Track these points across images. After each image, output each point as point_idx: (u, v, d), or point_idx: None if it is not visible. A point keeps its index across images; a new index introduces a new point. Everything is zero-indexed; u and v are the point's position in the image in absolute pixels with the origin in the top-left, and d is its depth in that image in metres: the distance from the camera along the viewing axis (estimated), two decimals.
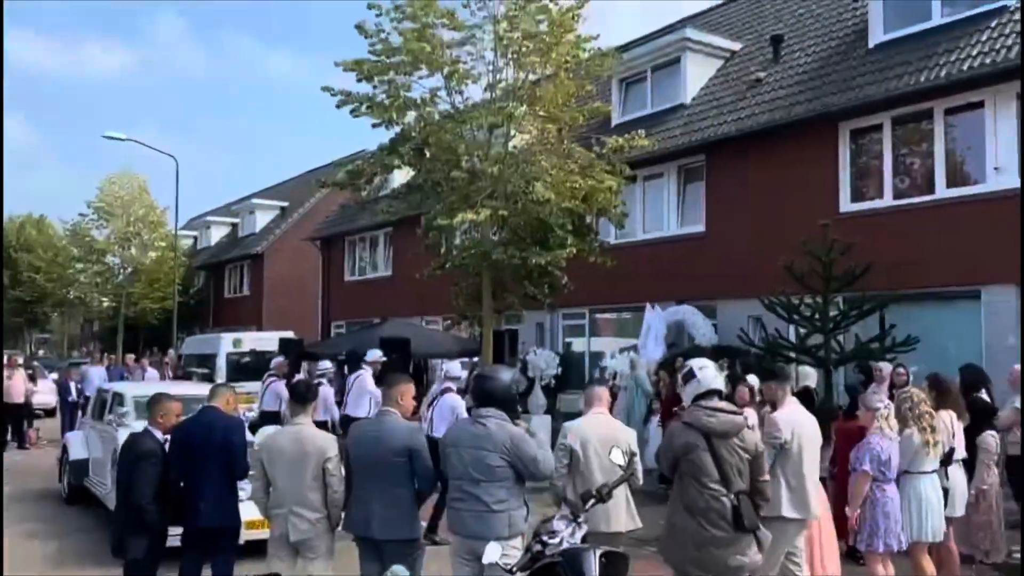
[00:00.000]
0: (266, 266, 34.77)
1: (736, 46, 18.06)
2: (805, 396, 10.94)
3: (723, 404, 4.92)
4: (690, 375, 4.97)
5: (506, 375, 5.09)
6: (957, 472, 7.01)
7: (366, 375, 11.93)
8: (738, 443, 4.80)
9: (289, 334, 19.35)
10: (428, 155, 13.30)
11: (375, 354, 12.17)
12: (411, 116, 13.08)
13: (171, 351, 23.25)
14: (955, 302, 12.60)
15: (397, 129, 13.22)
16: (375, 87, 12.99)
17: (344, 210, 29.28)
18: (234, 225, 40.45)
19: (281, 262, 34.37)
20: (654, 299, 16.43)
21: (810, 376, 10.93)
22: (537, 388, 15.75)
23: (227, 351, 19.24)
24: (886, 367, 10.19)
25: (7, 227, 44.43)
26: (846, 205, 13.90)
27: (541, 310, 15.27)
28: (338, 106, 12.92)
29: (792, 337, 12.66)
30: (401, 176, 16.10)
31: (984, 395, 8.24)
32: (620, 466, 4.95)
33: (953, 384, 7.36)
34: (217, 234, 42.32)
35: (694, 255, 16.26)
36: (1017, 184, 11.73)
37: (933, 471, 6.70)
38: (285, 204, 36.91)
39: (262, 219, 37.34)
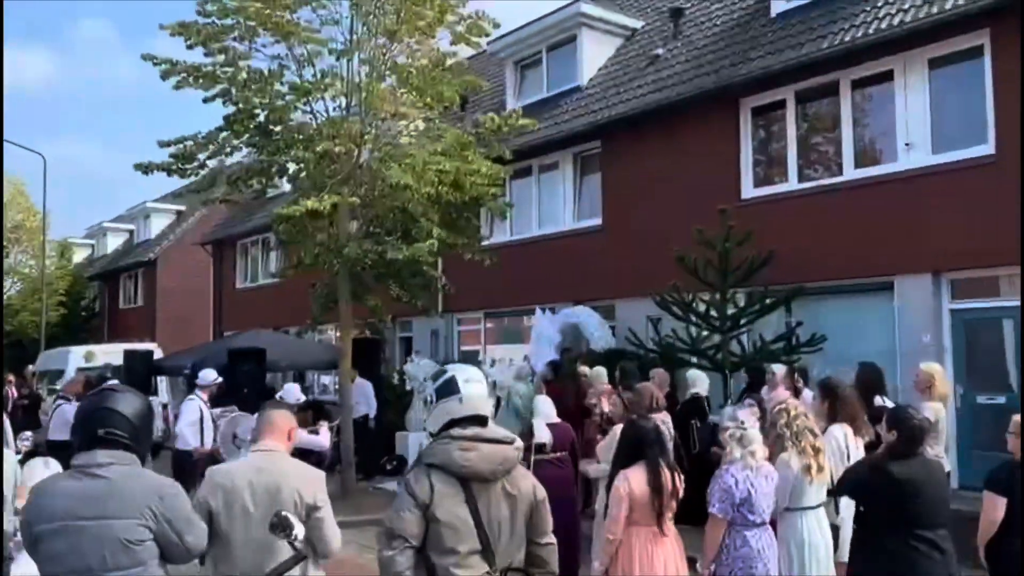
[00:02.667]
0: (160, 274, 32.39)
1: (637, 23, 16.64)
2: (694, 405, 9.52)
3: (487, 430, 3.26)
4: (448, 389, 3.29)
5: (135, 400, 3.33)
6: (852, 505, 5.45)
7: (193, 403, 9.70)
8: (508, 489, 3.16)
9: (151, 346, 17.30)
10: (274, 135, 11.48)
11: (208, 376, 10.13)
12: (253, 91, 11.26)
13: (29, 368, 20.94)
14: (866, 295, 11.28)
15: (238, 106, 11.38)
16: (209, 55, 11.15)
17: (237, 210, 27.12)
18: (131, 232, 37.87)
19: (175, 270, 31.98)
20: (553, 300, 14.91)
21: (699, 381, 9.42)
22: (416, 402, 14.01)
23: (77, 366, 17.09)
24: (780, 370, 8.73)
25: None
26: (748, 191, 12.51)
27: (430, 316, 13.54)
28: (163, 77, 11.05)
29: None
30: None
31: (886, 402, 6.78)
32: (290, 539, 3.23)
33: (848, 391, 5.85)
34: (114, 242, 39.60)
35: (591, 251, 14.74)
36: (931, 162, 10.47)
37: (819, 505, 5.18)
38: (182, 208, 34.47)
39: (157, 225, 34.91)
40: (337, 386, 14.32)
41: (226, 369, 13.16)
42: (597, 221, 14.91)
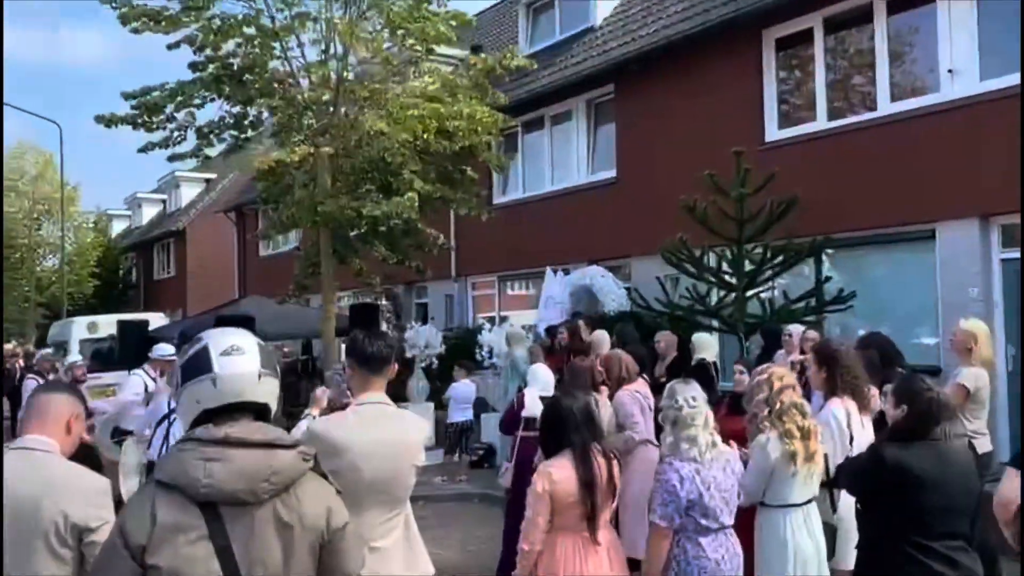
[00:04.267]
0: (189, 244, 31.97)
1: None
2: (700, 372, 8.37)
3: (247, 428, 2.16)
4: (198, 365, 2.22)
5: None
6: (851, 499, 4.29)
7: (137, 377, 8.49)
8: (281, 515, 2.12)
9: (150, 316, 16.68)
10: (247, 84, 10.52)
11: (162, 349, 9.15)
12: (221, 36, 10.30)
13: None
14: (904, 245, 9.96)
15: (205, 52, 10.45)
16: None
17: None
18: (164, 202, 37.63)
19: (204, 239, 31.48)
20: (567, 260, 13.84)
21: (706, 346, 8.26)
22: (417, 371, 13.09)
23: (80, 337, 16.54)
24: (796, 331, 7.55)
25: None
26: (773, 132, 11.22)
27: (425, 279, 12.55)
28: (121, 22, 10.15)
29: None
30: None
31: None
32: None
33: (851, 355, 4.69)
34: (149, 212, 39.41)
35: (605, 206, 13.59)
36: (978, 90, 9.07)
37: (807, 502, 4.08)
38: (212, 176, 33.96)
39: (188, 194, 34.50)
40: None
41: None
42: (611, 174, 13.73)
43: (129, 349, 13.63)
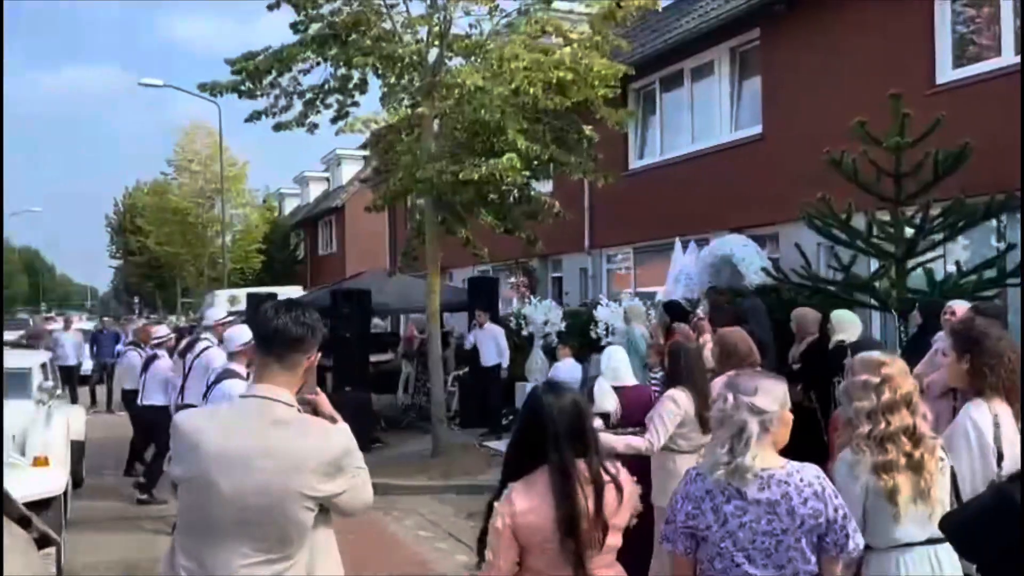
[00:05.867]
0: (348, 219, 32.67)
1: None
2: (838, 358, 6.95)
3: None
4: None
5: None
6: None
7: (211, 348, 7.87)
8: None
9: (282, 290, 16.79)
10: (350, 44, 9.94)
11: (214, 314, 8.81)
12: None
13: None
14: None
15: (307, 11, 9.97)
16: None
17: None
18: (328, 179, 38.79)
19: (361, 214, 31.94)
20: (705, 228, 12.55)
21: (846, 325, 6.86)
22: (536, 348, 12.25)
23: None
24: (961, 308, 6.03)
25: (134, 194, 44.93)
26: (946, 72, 9.41)
27: (537, 250, 11.60)
28: None
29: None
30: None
31: None
32: None
33: (1003, 339, 3.34)
34: (316, 190, 40.83)
35: (749, 166, 12.14)
36: None
37: (931, 540, 2.87)
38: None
39: (349, 171, 35.26)
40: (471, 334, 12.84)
41: (329, 312, 12.14)
42: (757, 129, 12.22)
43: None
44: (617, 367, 5.91)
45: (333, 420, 2.46)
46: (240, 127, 71.95)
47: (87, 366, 17.01)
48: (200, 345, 8.11)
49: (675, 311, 8.94)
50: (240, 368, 5.83)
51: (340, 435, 2.41)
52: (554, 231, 11.98)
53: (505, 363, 12.29)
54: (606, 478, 2.56)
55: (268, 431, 2.28)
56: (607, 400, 5.68)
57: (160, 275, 42.80)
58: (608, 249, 15.83)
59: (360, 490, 2.41)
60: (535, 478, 2.57)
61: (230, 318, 8.80)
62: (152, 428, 8.73)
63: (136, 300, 52.53)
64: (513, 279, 17.76)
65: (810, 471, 2.51)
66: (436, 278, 10.28)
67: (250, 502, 2.20)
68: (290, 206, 43.82)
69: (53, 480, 6.14)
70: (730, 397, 2.62)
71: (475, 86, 8.62)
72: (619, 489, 2.58)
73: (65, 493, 6.53)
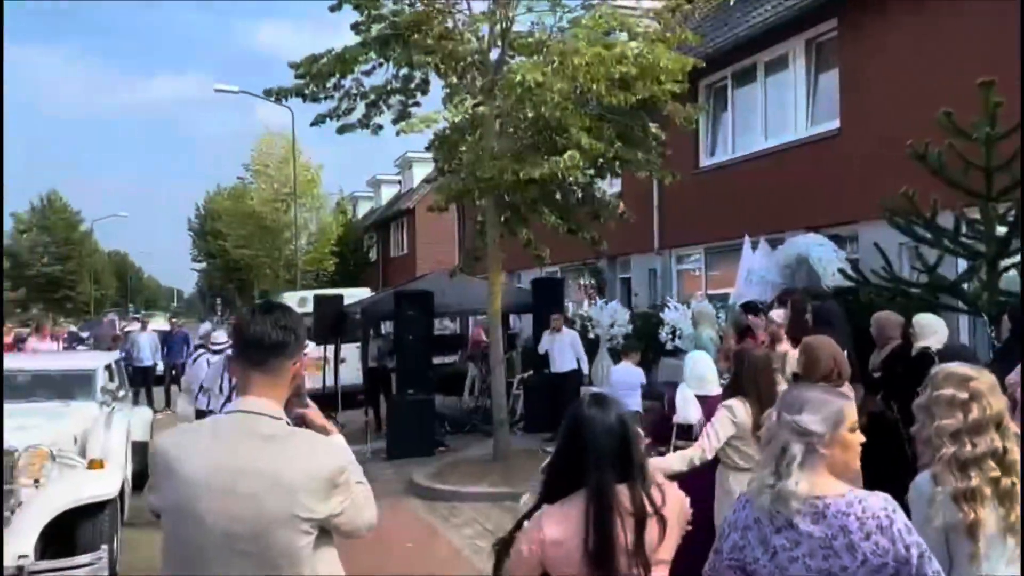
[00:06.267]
0: (418, 221, 32.83)
1: None
2: (922, 366, 6.48)
3: None
4: None
5: None
6: None
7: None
8: None
9: (352, 291, 16.81)
10: (412, 44, 9.81)
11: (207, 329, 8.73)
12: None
13: None
14: None
15: (368, 12, 9.89)
16: None
17: None
18: (399, 182, 39.14)
19: (432, 216, 32.12)
20: (779, 228, 12.03)
21: (931, 330, 6.36)
22: (603, 351, 11.92)
23: None
24: None
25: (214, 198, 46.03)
26: None
27: (603, 252, 11.30)
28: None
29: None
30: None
31: None
32: None
33: None
34: (388, 193, 41.25)
35: (825, 163, 11.59)
36: None
37: None
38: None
39: (419, 173, 35.42)
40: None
41: (393, 314, 12.09)
42: (834, 124, 11.66)
43: (324, 323, 13.74)
44: (703, 374, 5.54)
45: (326, 432, 2.25)
46: (316, 132, 73.45)
47: (161, 367, 17.35)
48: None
49: (754, 312, 8.53)
50: None
51: (334, 449, 2.19)
52: (622, 231, 11.64)
53: (586, 369, 11.73)
54: (649, 509, 2.27)
55: (253, 449, 2.07)
56: (690, 410, 5.34)
57: (239, 277, 43.80)
58: (678, 249, 15.40)
59: (361, 508, 2.19)
60: (571, 502, 2.29)
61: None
62: None
63: (218, 302, 54.01)
64: (581, 280, 17.46)
65: (876, 501, 2.17)
66: (498, 279, 10.08)
67: (236, 529, 1.99)
68: (363, 209, 44.36)
69: (108, 483, 6.14)
70: (774, 414, 2.32)
71: (535, 81, 8.35)
72: (662, 520, 2.29)
73: (121, 494, 6.53)
